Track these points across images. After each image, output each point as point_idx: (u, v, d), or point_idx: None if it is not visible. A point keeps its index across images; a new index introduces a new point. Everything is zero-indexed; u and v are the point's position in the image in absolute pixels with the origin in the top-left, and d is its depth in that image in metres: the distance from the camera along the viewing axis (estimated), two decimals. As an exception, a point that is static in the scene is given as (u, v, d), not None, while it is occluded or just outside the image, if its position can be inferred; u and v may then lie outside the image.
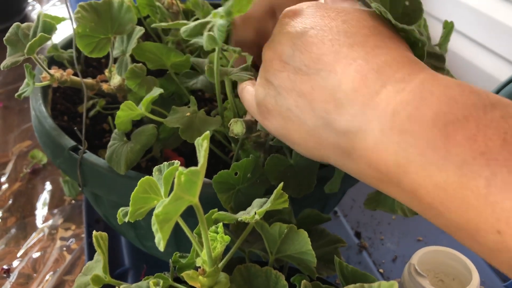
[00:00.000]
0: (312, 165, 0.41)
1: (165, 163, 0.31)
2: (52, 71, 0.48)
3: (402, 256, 0.64)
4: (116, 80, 0.49)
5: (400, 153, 0.25)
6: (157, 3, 0.56)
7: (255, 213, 0.32)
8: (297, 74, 0.30)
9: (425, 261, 0.47)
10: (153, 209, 0.26)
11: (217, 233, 0.32)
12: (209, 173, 0.31)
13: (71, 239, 0.65)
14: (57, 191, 0.73)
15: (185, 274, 0.31)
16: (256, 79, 0.36)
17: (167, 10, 0.56)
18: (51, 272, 0.60)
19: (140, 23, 0.54)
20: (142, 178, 0.28)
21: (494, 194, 0.22)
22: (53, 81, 0.48)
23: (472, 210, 0.23)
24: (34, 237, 0.65)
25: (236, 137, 0.41)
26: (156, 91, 0.41)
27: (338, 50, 0.29)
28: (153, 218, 0.24)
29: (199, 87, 0.48)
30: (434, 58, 0.37)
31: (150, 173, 0.31)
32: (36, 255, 0.63)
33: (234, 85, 0.42)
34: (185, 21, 0.45)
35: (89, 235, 0.64)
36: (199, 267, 0.31)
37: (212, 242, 0.31)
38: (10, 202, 0.71)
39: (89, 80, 0.51)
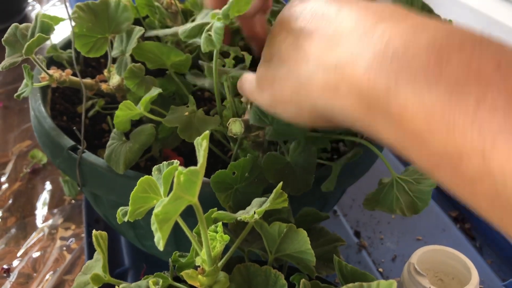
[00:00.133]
0: (309, 163, 0.41)
1: (165, 162, 0.31)
2: (51, 71, 0.48)
3: (402, 256, 0.64)
4: (115, 80, 0.49)
5: (392, 76, 0.25)
6: (156, 3, 0.56)
7: (255, 212, 0.32)
8: (299, 37, 0.32)
9: (424, 260, 0.47)
10: (152, 209, 0.26)
11: (217, 232, 0.32)
12: (207, 172, 0.31)
13: (71, 239, 0.65)
14: (57, 191, 0.73)
15: (185, 273, 0.31)
16: None
17: (166, 10, 0.56)
18: (51, 272, 0.60)
19: (139, 23, 0.54)
20: (142, 178, 0.28)
21: (482, 114, 0.21)
22: (52, 81, 0.48)
23: (458, 132, 0.22)
24: (34, 237, 0.65)
25: (234, 136, 0.41)
26: (155, 91, 0.41)
27: (340, 5, 0.31)
28: (153, 217, 0.24)
29: (207, 87, 0.48)
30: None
31: (149, 173, 0.31)
32: (36, 254, 0.63)
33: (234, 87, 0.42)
34: (180, 26, 0.45)
35: (89, 235, 0.64)
36: (199, 266, 0.31)
37: (211, 242, 0.31)
38: (10, 202, 0.71)
39: (88, 80, 0.51)
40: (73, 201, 0.71)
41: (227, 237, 0.31)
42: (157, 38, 0.60)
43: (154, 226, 0.25)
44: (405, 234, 0.67)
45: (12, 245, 0.64)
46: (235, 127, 0.40)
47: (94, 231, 0.33)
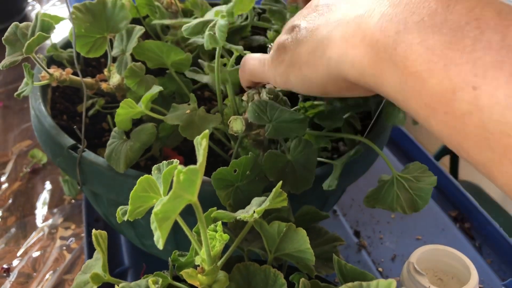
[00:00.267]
0: (310, 161, 0.41)
1: (164, 161, 0.31)
2: (51, 70, 0.48)
3: (401, 255, 0.64)
4: (115, 79, 0.49)
5: (401, 21, 0.27)
6: (156, 3, 0.56)
7: (254, 211, 0.32)
8: (323, 13, 0.33)
9: (424, 260, 0.47)
10: (152, 208, 0.26)
11: (216, 231, 0.32)
12: (207, 171, 0.31)
13: (71, 239, 0.65)
14: (57, 191, 0.73)
15: (184, 273, 0.31)
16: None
17: (166, 10, 0.56)
18: (51, 271, 0.60)
19: (139, 22, 0.54)
20: (141, 177, 0.28)
21: (477, 50, 0.23)
22: (52, 80, 0.48)
23: (453, 69, 0.24)
24: (34, 237, 0.65)
25: (235, 134, 0.41)
26: (155, 89, 0.41)
27: None
28: (152, 216, 0.24)
29: (205, 81, 0.48)
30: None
31: (149, 172, 0.31)
32: (36, 254, 0.63)
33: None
34: (187, 19, 0.45)
35: (89, 234, 0.64)
36: (198, 265, 0.31)
37: (211, 241, 0.31)
38: (10, 201, 0.71)
39: (88, 80, 0.51)
40: (73, 200, 0.71)
41: (226, 236, 0.31)
42: (157, 38, 0.60)
43: (153, 225, 0.25)
44: (405, 234, 0.67)
45: (12, 245, 0.64)
46: (236, 125, 0.40)
47: (93, 231, 0.33)
